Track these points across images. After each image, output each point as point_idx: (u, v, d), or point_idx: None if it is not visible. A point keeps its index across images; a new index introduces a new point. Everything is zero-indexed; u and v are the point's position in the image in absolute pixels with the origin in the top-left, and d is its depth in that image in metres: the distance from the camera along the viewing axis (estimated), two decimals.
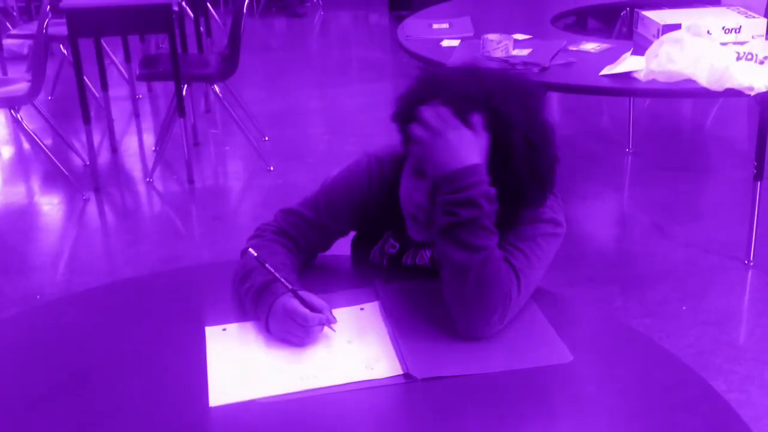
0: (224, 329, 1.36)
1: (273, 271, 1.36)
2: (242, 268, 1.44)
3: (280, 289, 1.35)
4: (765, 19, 3.05)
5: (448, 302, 1.35)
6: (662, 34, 2.88)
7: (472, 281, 1.30)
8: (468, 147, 1.31)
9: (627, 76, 2.68)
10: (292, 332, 1.32)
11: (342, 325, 1.35)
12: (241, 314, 1.40)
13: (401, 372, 1.25)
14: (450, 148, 1.31)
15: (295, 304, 1.32)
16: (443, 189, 1.32)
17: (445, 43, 3.27)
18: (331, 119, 5.26)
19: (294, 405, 1.19)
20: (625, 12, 4.53)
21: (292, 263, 1.47)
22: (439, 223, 1.33)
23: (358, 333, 1.35)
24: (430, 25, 3.58)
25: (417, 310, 1.41)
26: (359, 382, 1.23)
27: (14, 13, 7.27)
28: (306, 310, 1.31)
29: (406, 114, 1.39)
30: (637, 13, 3.23)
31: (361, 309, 1.42)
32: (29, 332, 1.41)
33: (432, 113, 1.32)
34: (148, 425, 1.16)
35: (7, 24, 6.66)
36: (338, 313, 1.37)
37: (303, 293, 1.34)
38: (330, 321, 1.33)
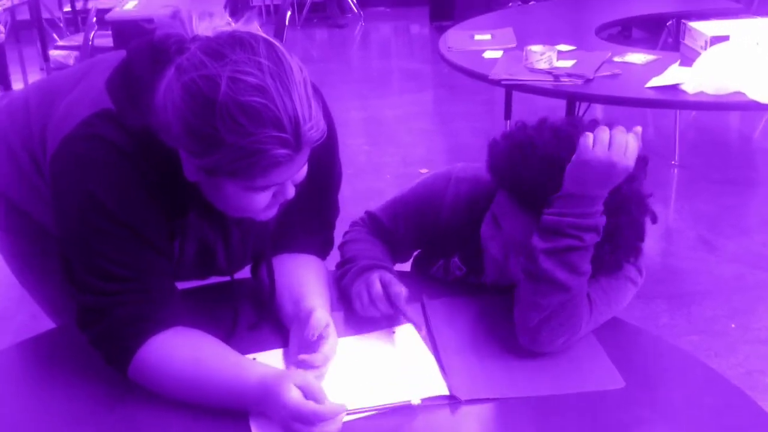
0: (254, 359, 1.30)
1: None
2: (344, 255, 1.53)
3: (376, 271, 1.42)
4: None
5: (522, 313, 1.32)
6: (710, 45, 2.83)
7: (563, 302, 1.28)
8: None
9: (674, 88, 2.63)
10: (360, 300, 1.38)
11: (383, 346, 1.34)
12: (339, 297, 1.47)
13: (446, 393, 1.23)
14: (596, 170, 1.26)
15: (378, 284, 1.38)
16: (566, 208, 1.27)
17: (488, 54, 3.24)
18: (372, 130, 5.25)
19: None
20: (671, 23, 4.47)
21: (389, 255, 1.55)
22: (554, 243, 1.28)
23: (401, 354, 1.33)
24: (472, 36, 3.55)
25: (464, 328, 1.39)
26: (402, 403, 1.21)
27: (61, 25, 7.39)
28: (380, 290, 1.37)
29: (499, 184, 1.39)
30: (684, 24, 3.17)
31: (392, 332, 1.39)
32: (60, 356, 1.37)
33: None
34: None
35: (54, 35, 6.77)
36: (373, 336, 1.37)
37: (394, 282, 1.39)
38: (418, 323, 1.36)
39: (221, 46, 1.09)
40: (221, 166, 1.12)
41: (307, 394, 1.13)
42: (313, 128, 1.12)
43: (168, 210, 1.24)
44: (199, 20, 1.17)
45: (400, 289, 1.37)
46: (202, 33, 1.15)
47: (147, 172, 1.20)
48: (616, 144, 1.25)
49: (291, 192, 1.21)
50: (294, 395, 1.12)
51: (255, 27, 1.17)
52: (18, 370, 1.36)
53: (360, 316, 1.41)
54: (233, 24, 1.18)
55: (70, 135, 1.20)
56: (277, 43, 1.14)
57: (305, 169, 1.19)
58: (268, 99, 1.07)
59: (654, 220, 1.38)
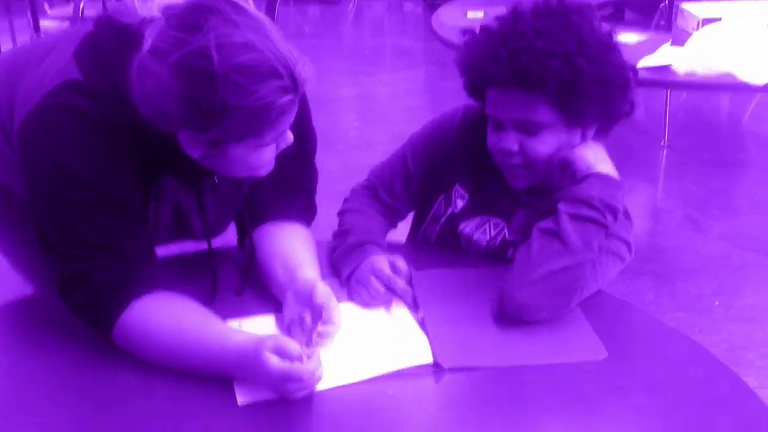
0: (240, 324, 1.32)
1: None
2: (340, 226, 1.54)
3: (371, 251, 1.42)
4: None
5: (522, 269, 1.33)
6: (702, 26, 2.83)
7: (566, 267, 1.31)
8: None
9: (665, 68, 2.64)
10: (368, 290, 1.37)
11: (368, 317, 1.35)
12: (331, 268, 1.47)
13: (431, 362, 1.24)
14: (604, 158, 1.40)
15: (384, 265, 1.38)
16: (599, 185, 1.35)
17: None
18: (363, 107, 5.24)
19: (320, 397, 1.17)
20: (663, 4, 4.46)
21: (385, 227, 1.57)
22: (580, 210, 1.33)
23: (387, 323, 1.34)
24: (465, 14, 3.55)
25: (450, 299, 1.40)
26: (387, 373, 1.22)
27: None
28: (392, 274, 1.37)
29: (477, 86, 1.45)
30: (677, 6, 3.17)
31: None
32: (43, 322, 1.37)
33: None
34: (179, 428, 1.13)
35: (45, 6, 6.71)
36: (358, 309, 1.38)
37: (395, 260, 1.40)
38: (407, 294, 1.37)
39: (191, 19, 1.09)
40: (231, 132, 1.14)
41: (284, 354, 1.13)
42: (304, 66, 1.14)
43: (140, 175, 1.24)
44: (144, 1, 1.16)
45: (390, 273, 1.38)
46: (154, 10, 1.13)
47: (116, 139, 1.19)
48: None
49: (290, 137, 1.23)
50: (274, 361, 1.12)
51: None
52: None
53: (344, 286, 1.43)
54: None
55: (38, 106, 1.20)
56: None
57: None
58: (259, 53, 1.09)
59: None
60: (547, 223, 1.35)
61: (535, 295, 1.31)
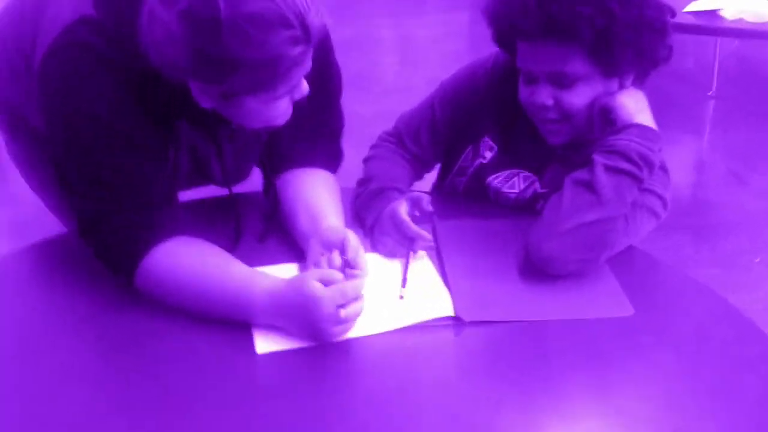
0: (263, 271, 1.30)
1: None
2: (364, 173, 1.52)
3: (393, 197, 1.41)
4: None
5: (552, 219, 1.30)
6: None
7: (597, 220, 1.28)
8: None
9: (713, 13, 2.54)
10: (390, 237, 1.36)
11: (391, 268, 1.33)
12: (354, 217, 1.45)
13: (452, 314, 1.22)
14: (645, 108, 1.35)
15: (402, 208, 1.36)
16: (638, 137, 1.30)
17: None
18: (403, 49, 5.17)
19: (338, 348, 1.16)
20: None
21: (410, 174, 1.54)
22: (616, 162, 1.29)
23: (409, 276, 1.31)
24: None
25: (473, 251, 1.38)
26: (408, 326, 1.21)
27: None
28: (405, 218, 1.34)
29: (506, 38, 1.40)
30: None
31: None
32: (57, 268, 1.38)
33: None
34: (196, 374, 1.12)
35: None
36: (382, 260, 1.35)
37: (418, 199, 1.39)
38: (426, 242, 1.35)
39: None
40: (241, 85, 1.10)
41: (329, 282, 1.13)
42: (317, 14, 1.10)
43: (157, 118, 1.22)
44: None
45: (407, 222, 1.35)
46: None
47: (131, 81, 1.17)
48: None
49: (306, 87, 1.19)
50: (320, 288, 1.11)
51: None
52: (26, 272, 1.38)
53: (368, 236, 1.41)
54: None
55: (53, 44, 1.18)
56: None
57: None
58: (268, 1, 1.04)
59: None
60: (581, 174, 1.31)
61: (564, 248, 1.28)
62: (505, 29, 1.37)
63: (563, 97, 1.34)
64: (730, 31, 2.75)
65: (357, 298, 1.14)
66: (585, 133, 1.40)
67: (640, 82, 1.39)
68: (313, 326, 1.13)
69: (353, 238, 1.24)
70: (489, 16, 1.39)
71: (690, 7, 2.58)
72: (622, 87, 1.37)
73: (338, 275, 1.15)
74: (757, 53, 4.76)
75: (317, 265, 1.25)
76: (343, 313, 1.12)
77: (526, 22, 1.29)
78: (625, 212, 1.30)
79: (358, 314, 1.15)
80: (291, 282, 1.16)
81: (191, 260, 1.23)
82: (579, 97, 1.34)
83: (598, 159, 1.30)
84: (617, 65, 1.33)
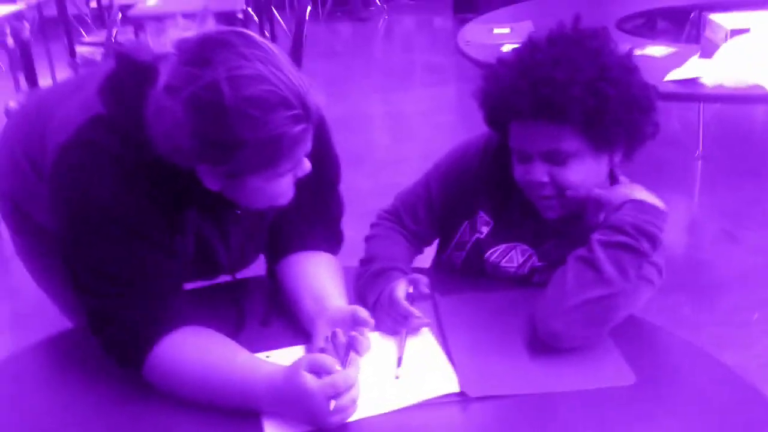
0: (268, 356, 1.33)
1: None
2: (366, 253, 1.55)
3: (394, 277, 1.43)
4: None
5: (556, 297, 1.33)
6: (730, 38, 2.81)
7: (601, 297, 1.30)
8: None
9: (693, 81, 2.61)
10: (390, 317, 1.37)
11: (394, 346, 1.35)
12: (357, 297, 1.47)
13: (457, 390, 1.24)
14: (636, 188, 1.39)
15: (400, 290, 1.38)
16: (633, 211, 1.33)
17: (506, 48, 3.23)
18: (393, 124, 5.26)
19: (346, 429, 1.17)
20: (694, 14, 4.42)
21: (410, 252, 1.58)
22: (611, 237, 1.32)
23: (413, 352, 1.33)
24: (491, 30, 3.55)
25: (476, 325, 1.40)
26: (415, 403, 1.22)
27: (88, 20, 7.47)
28: (403, 301, 1.37)
29: (499, 119, 1.43)
30: (705, 17, 3.15)
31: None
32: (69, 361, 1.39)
33: None
34: None
35: (81, 30, 6.85)
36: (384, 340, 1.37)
37: (416, 280, 1.41)
38: (422, 321, 1.37)
39: (201, 53, 1.11)
40: (246, 164, 1.15)
41: (321, 370, 1.14)
42: (315, 94, 1.16)
43: (166, 209, 1.26)
44: (157, 36, 1.19)
45: (404, 304, 1.38)
46: (168, 45, 1.16)
47: (141, 175, 1.22)
48: None
49: (308, 166, 1.24)
50: (310, 379, 1.12)
51: (212, 23, 1.20)
52: (34, 370, 1.40)
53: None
54: (192, 29, 1.19)
55: (66, 143, 1.23)
56: (242, 29, 1.16)
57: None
58: (269, 84, 1.10)
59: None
60: (581, 251, 1.34)
61: (571, 325, 1.31)
62: (498, 111, 1.41)
63: (558, 173, 1.38)
64: (711, 97, 2.83)
65: (349, 388, 1.14)
66: (578, 211, 1.45)
67: (628, 159, 1.43)
68: (310, 416, 1.14)
69: (363, 311, 1.28)
70: (481, 98, 1.44)
71: (670, 76, 2.66)
72: (611, 163, 1.42)
73: (330, 360, 1.15)
74: (739, 113, 4.86)
75: (323, 346, 1.27)
76: (335, 404, 1.13)
77: (519, 103, 1.34)
78: (632, 285, 1.32)
79: (352, 403, 1.16)
80: (286, 372, 1.17)
81: (195, 352, 1.25)
82: (574, 173, 1.38)
83: (596, 236, 1.33)
84: (608, 141, 1.37)
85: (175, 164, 1.18)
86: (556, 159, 1.37)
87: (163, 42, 1.17)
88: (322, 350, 1.27)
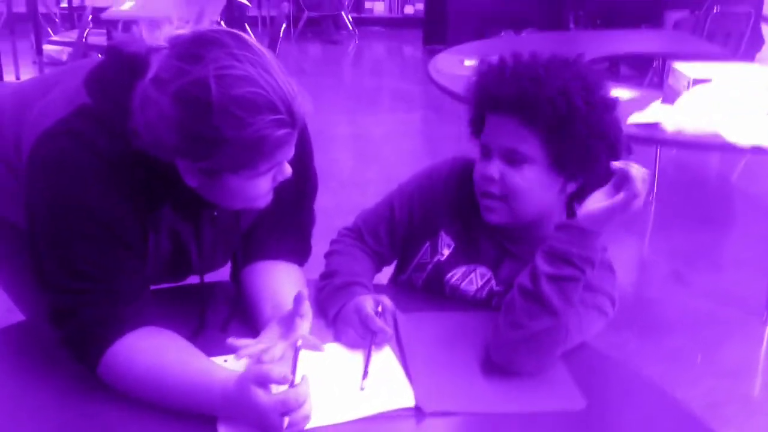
0: (225, 360, 1.32)
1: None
2: (327, 267, 1.56)
3: (357, 291, 1.45)
4: None
5: (505, 330, 1.35)
6: (692, 86, 2.90)
7: (549, 327, 1.33)
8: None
9: (654, 125, 2.70)
10: (353, 330, 1.39)
11: (353, 358, 1.37)
12: (318, 309, 1.47)
13: (412, 405, 1.26)
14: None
15: (367, 304, 1.40)
16: (577, 237, 1.33)
17: None
18: (358, 146, 5.30)
19: None
20: (657, 62, 4.56)
21: (371, 269, 1.59)
22: (560, 270, 1.33)
23: (371, 366, 1.35)
24: (462, 61, 3.62)
25: (434, 343, 1.43)
26: (369, 416, 1.24)
27: (56, 20, 7.40)
28: (371, 313, 1.38)
29: (479, 112, 1.48)
30: (669, 65, 3.25)
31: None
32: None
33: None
34: None
35: (49, 30, 6.78)
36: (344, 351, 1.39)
37: (381, 298, 1.42)
38: (387, 336, 1.39)
39: (193, 49, 1.13)
40: (226, 162, 1.16)
41: (269, 381, 1.13)
42: (302, 102, 1.17)
43: (141, 205, 1.26)
44: (151, 30, 1.20)
45: (372, 316, 1.39)
46: (161, 40, 1.17)
47: (121, 168, 1.21)
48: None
49: (288, 170, 1.25)
50: (261, 394, 1.13)
51: (207, 23, 1.21)
52: None
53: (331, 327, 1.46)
54: (188, 26, 1.20)
55: (48, 131, 1.22)
56: (238, 32, 1.18)
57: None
58: (257, 86, 1.12)
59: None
60: (525, 280, 1.36)
61: (520, 356, 1.34)
62: (480, 100, 1.46)
63: (509, 174, 1.42)
64: (671, 142, 2.92)
65: (301, 405, 1.14)
66: (536, 229, 1.49)
67: (579, 201, 1.42)
68: (264, 427, 1.15)
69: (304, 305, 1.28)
70: (469, 89, 1.48)
71: (632, 119, 2.74)
72: (562, 192, 1.46)
73: (277, 372, 1.13)
74: (693, 160, 5.00)
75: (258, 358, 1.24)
76: (287, 420, 1.13)
77: (499, 90, 1.39)
78: (571, 313, 1.35)
79: (305, 418, 1.16)
80: (237, 383, 1.16)
81: (151, 354, 1.24)
82: (523, 180, 1.41)
83: (541, 267, 1.34)
84: (564, 160, 1.40)
85: (156, 158, 1.18)
86: (513, 159, 1.41)
87: (156, 37, 1.18)
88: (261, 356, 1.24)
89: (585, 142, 1.38)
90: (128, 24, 4.02)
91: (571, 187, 1.46)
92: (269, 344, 1.26)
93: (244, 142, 1.13)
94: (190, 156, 1.17)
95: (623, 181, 1.30)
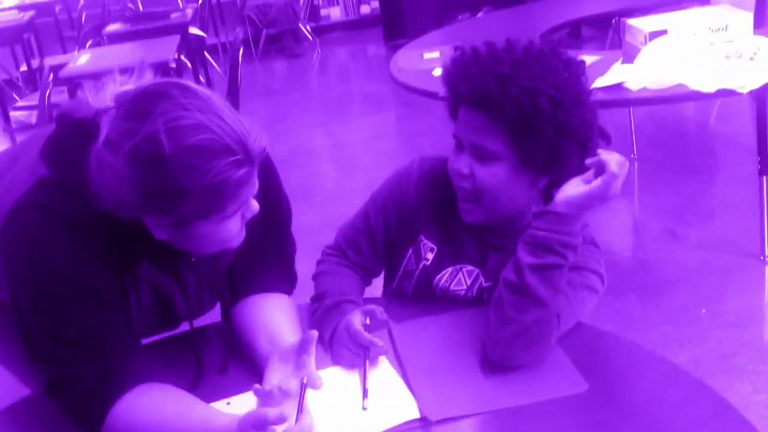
0: (228, 403, 1.34)
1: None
2: (316, 290, 1.56)
3: (348, 310, 1.46)
4: (751, 14, 3.04)
5: (496, 327, 1.36)
6: (649, 40, 2.89)
7: (539, 318, 1.33)
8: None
9: (618, 86, 2.69)
10: (348, 349, 1.40)
11: (353, 378, 1.37)
12: (310, 327, 1.46)
13: (417, 416, 1.27)
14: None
15: (356, 320, 1.41)
16: (552, 224, 1.34)
17: (437, 72, 3.29)
18: (337, 156, 5.30)
19: None
20: (615, 20, 4.55)
21: (359, 284, 1.60)
22: (542, 259, 1.34)
23: (371, 383, 1.35)
24: (422, 55, 3.61)
25: (430, 349, 1.43)
26: None
27: (20, 84, 7.38)
28: (359, 328, 1.39)
29: (452, 103, 1.47)
30: (624, 22, 3.24)
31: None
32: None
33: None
34: None
35: (14, 95, 6.76)
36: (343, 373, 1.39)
37: (371, 311, 1.43)
38: (380, 349, 1.39)
39: (140, 106, 1.13)
40: (192, 212, 1.16)
41: (265, 425, 1.13)
42: (257, 138, 1.17)
43: (117, 266, 1.27)
44: (96, 92, 1.21)
45: (360, 331, 1.40)
46: (107, 100, 1.18)
47: (90, 233, 1.22)
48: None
49: (255, 206, 1.26)
50: None
51: (149, 77, 1.22)
52: None
53: (328, 350, 1.45)
54: (130, 83, 1.21)
55: (13, 208, 1.23)
56: (180, 80, 1.18)
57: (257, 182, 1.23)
58: (209, 132, 1.12)
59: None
60: (510, 274, 1.36)
61: (515, 350, 1.35)
62: (450, 93, 1.45)
63: (477, 170, 1.42)
64: (636, 101, 2.91)
65: None
66: (515, 222, 1.49)
67: (557, 187, 1.41)
68: None
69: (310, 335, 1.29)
70: (444, 78, 1.47)
71: (597, 83, 2.73)
72: (533, 187, 1.44)
73: (273, 414, 1.12)
74: (669, 113, 5.00)
75: (269, 399, 1.26)
76: None
77: (465, 88, 1.39)
78: (560, 300, 1.35)
79: None
80: (238, 429, 1.16)
81: (151, 411, 1.25)
82: (491, 176, 1.41)
83: (524, 259, 1.34)
84: (531, 158, 1.39)
85: (124, 218, 1.19)
86: (481, 155, 1.41)
87: (102, 97, 1.19)
88: (270, 394, 1.26)
89: (552, 143, 1.36)
90: (73, 89, 4.02)
91: (543, 182, 1.45)
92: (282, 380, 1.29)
93: (205, 189, 1.13)
94: (154, 212, 1.17)
95: (600, 169, 1.31)
